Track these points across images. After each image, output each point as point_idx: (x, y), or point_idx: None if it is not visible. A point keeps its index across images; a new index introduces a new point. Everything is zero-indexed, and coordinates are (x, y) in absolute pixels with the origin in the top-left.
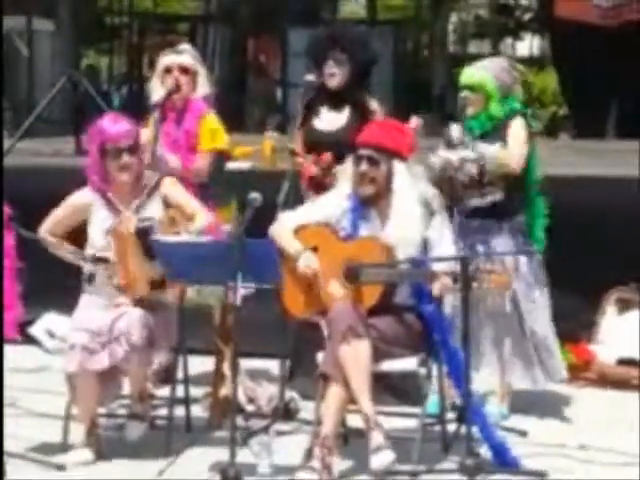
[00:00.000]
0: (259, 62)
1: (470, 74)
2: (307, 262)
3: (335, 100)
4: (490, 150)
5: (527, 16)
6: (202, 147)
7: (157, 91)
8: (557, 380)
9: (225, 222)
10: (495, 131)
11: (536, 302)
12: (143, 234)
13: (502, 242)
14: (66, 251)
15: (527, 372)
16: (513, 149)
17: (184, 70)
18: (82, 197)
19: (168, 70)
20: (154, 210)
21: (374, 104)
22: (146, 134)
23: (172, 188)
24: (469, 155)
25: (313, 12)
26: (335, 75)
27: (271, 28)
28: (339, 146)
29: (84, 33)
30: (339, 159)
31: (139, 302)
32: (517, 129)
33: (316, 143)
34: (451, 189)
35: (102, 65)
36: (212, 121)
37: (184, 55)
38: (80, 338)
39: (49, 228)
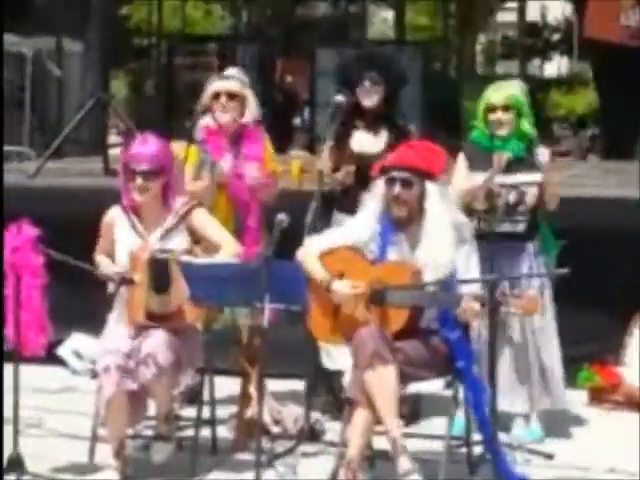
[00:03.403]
0: (287, 82)
1: (499, 91)
2: (342, 290)
3: (371, 121)
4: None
5: (555, 37)
6: (273, 169)
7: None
8: (560, 407)
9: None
10: (529, 156)
11: (549, 332)
12: (156, 265)
13: (527, 264)
14: (101, 271)
15: (529, 397)
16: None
17: (232, 96)
18: (109, 213)
19: (216, 96)
20: (178, 240)
21: (412, 127)
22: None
23: (201, 218)
24: (507, 181)
25: (341, 32)
26: (372, 95)
27: (299, 48)
28: None
29: (113, 54)
30: None
31: (165, 324)
32: (551, 162)
33: (356, 165)
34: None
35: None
36: (269, 145)
37: (231, 81)
38: (113, 359)
39: (100, 252)
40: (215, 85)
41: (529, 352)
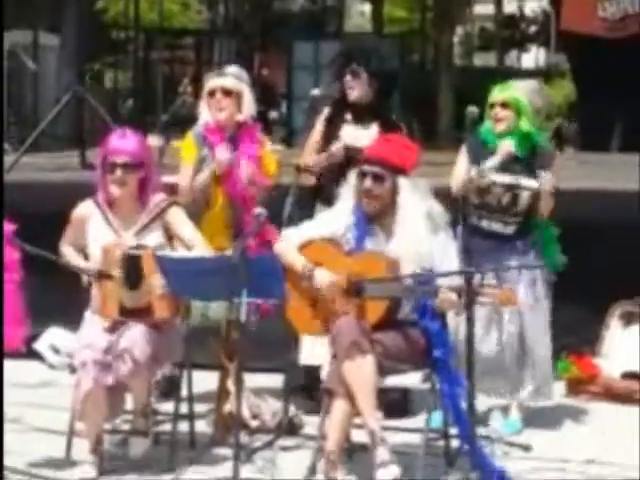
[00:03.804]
0: (264, 75)
1: (502, 91)
2: (323, 278)
3: (360, 114)
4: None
5: (532, 28)
6: (271, 172)
7: (203, 114)
8: (545, 401)
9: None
10: (530, 158)
11: (540, 324)
12: (129, 262)
13: (515, 260)
14: (76, 264)
15: (516, 389)
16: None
17: (227, 92)
18: (82, 208)
19: (211, 93)
20: (154, 236)
21: (400, 122)
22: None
23: (177, 217)
24: (502, 180)
25: (319, 26)
26: (354, 88)
27: (277, 42)
28: None
29: (89, 47)
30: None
31: (143, 319)
32: (554, 172)
33: (347, 157)
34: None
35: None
36: (267, 141)
37: (227, 77)
38: (91, 354)
39: (66, 243)
40: (210, 83)
41: (516, 344)
